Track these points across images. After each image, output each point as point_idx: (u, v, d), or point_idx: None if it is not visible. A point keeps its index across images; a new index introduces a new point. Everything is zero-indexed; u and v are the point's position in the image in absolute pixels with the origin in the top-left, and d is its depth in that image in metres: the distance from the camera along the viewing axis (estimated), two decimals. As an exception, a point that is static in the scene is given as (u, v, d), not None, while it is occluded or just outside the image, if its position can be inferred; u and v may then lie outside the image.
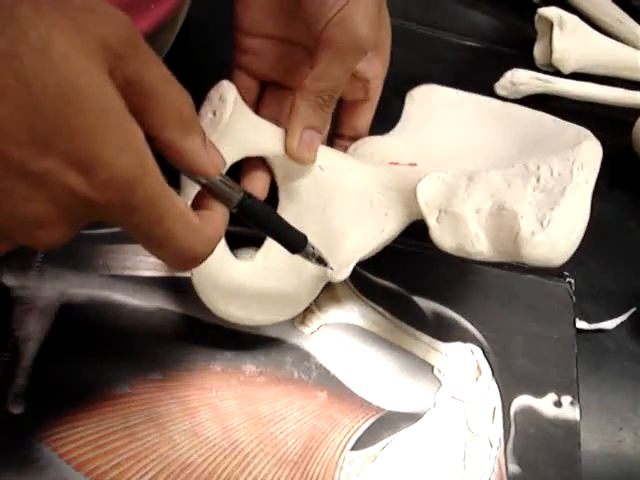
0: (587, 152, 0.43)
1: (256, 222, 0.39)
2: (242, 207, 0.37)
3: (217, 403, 0.48)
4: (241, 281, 0.47)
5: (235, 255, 0.48)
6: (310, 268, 0.46)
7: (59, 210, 0.28)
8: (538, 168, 0.42)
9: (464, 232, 0.42)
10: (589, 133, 0.45)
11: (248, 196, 0.37)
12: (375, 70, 0.51)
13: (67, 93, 0.25)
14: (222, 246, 0.46)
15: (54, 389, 0.46)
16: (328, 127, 0.50)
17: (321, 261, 0.43)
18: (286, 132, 0.45)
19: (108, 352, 0.48)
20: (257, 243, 0.49)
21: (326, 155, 0.48)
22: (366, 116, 0.53)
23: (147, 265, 0.51)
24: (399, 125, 0.53)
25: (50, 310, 0.48)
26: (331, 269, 0.44)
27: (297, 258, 0.42)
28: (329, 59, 0.43)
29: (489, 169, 0.44)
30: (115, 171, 0.27)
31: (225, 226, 0.35)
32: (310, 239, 0.42)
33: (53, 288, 0.49)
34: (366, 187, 0.47)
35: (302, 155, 0.45)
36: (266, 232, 0.41)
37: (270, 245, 0.48)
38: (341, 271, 0.45)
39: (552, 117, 0.49)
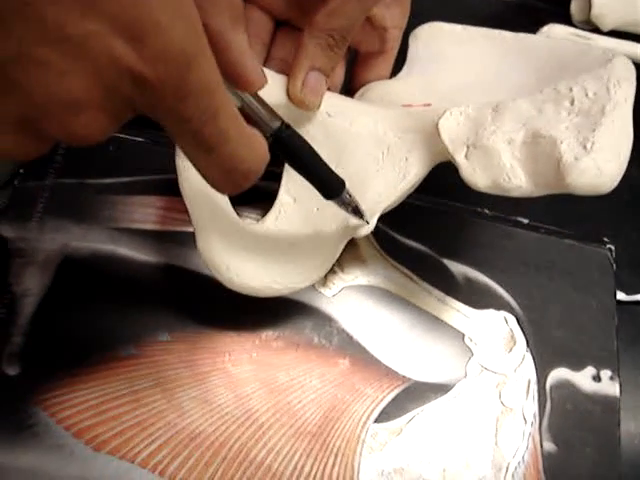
0: (621, 68, 0.39)
1: (291, 156, 0.36)
2: (278, 137, 0.34)
3: (230, 368, 0.45)
4: (253, 247, 0.43)
5: (239, 216, 0.44)
6: (329, 226, 0.42)
7: (101, 89, 0.24)
8: (570, 90, 0.39)
9: (498, 166, 0.38)
10: (616, 52, 0.42)
11: (286, 126, 0.34)
12: (394, 18, 0.47)
13: None
14: (228, 208, 0.43)
15: (53, 349, 0.43)
16: (341, 79, 0.46)
17: (357, 212, 0.39)
18: (289, 74, 0.41)
19: (112, 311, 0.45)
20: (261, 201, 0.46)
21: (333, 101, 0.43)
22: (382, 69, 0.49)
23: (156, 218, 0.48)
24: (405, 68, 0.50)
25: (50, 264, 0.45)
26: (367, 222, 0.41)
27: (313, 216, 0.39)
28: None
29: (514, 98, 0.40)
30: (170, 40, 0.23)
31: (268, 152, 0.31)
32: (317, 209, 0.39)
33: (54, 241, 0.46)
34: (381, 131, 0.43)
35: (307, 99, 0.41)
36: (301, 170, 0.37)
37: (282, 202, 0.44)
38: (364, 225, 0.41)
39: (561, 30, 0.45)
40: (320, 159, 0.37)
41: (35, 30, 0.22)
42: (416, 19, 0.48)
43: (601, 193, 0.37)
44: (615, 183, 0.37)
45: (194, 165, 0.29)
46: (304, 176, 0.38)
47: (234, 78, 0.30)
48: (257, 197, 0.46)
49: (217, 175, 0.29)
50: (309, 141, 0.40)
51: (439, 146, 0.41)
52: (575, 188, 0.37)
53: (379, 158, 0.43)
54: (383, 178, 0.43)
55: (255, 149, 0.29)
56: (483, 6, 0.68)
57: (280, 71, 0.42)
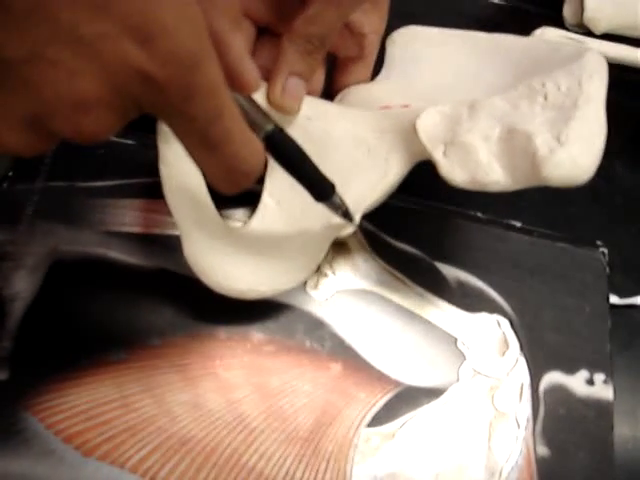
0: (593, 62, 0.40)
1: (284, 159, 0.36)
2: (271, 139, 0.34)
3: (221, 373, 0.44)
4: (238, 249, 0.43)
5: (224, 219, 0.44)
6: (313, 227, 0.43)
7: (110, 88, 0.24)
8: (543, 85, 0.39)
9: (475, 162, 0.39)
10: (588, 47, 0.42)
11: (279, 129, 0.34)
12: (372, 24, 0.47)
13: None
14: (213, 211, 0.43)
15: (42, 354, 0.43)
16: (321, 84, 0.47)
17: (347, 215, 0.40)
18: (269, 80, 0.42)
19: (102, 315, 0.45)
20: (245, 204, 0.46)
21: (312, 104, 0.44)
22: (361, 74, 0.49)
23: (146, 221, 0.47)
24: (383, 71, 0.50)
25: (40, 268, 0.45)
26: (355, 225, 0.41)
27: (297, 217, 0.40)
28: (325, 1, 0.40)
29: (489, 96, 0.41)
30: (178, 42, 0.24)
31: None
32: (301, 211, 0.40)
33: (44, 244, 0.46)
34: (360, 133, 0.44)
35: (286, 104, 0.42)
36: (293, 172, 0.38)
37: (266, 204, 0.45)
38: (348, 225, 0.42)
39: (544, 40, 0.45)
40: (311, 162, 0.37)
41: (49, 31, 0.22)
42: (406, 23, 0.49)
43: (577, 185, 0.37)
44: (590, 174, 0.37)
45: (197, 164, 0.29)
46: (296, 178, 0.38)
47: (231, 80, 0.30)
48: (240, 200, 0.46)
49: (219, 174, 0.30)
50: None
51: (418, 145, 0.41)
52: (551, 180, 0.37)
53: (359, 159, 0.44)
54: (364, 178, 0.43)
55: (257, 149, 0.30)
56: (476, 9, 0.68)
57: (261, 78, 0.42)
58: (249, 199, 0.45)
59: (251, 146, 0.30)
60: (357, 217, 0.42)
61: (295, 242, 0.44)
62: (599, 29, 0.66)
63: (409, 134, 0.42)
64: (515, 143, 0.38)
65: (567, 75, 0.39)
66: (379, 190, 0.43)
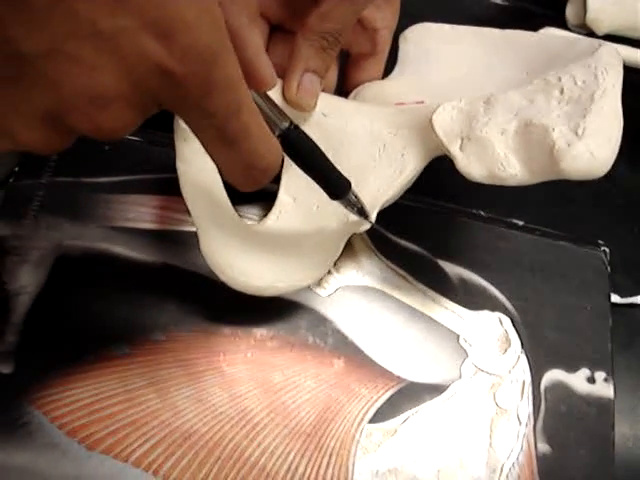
0: (608, 56, 0.40)
1: (299, 157, 0.36)
2: (286, 137, 0.34)
3: (224, 368, 0.44)
4: (256, 247, 0.43)
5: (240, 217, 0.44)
6: (330, 224, 0.42)
7: (129, 84, 0.24)
8: (559, 79, 0.39)
9: (492, 156, 0.39)
10: (602, 41, 0.42)
11: (294, 127, 0.34)
12: (384, 19, 0.47)
13: None
14: (230, 209, 0.43)
15: (47, 348, 0.43)
16: (335, 81, 0.47)
17: (362, 212, 0.40)
18: (284, 77, 0.42)
19: (106, 309, 0.45)
20: (261, 201, 0.46)
21: (328, 101, 0.44)
22: (374, 70, 0.49)
23: (150, 217, 0.48)
24: (397, 68, 0.50)
25: (45, 262, 0.45)
26: (371, 222, 0.41)
27: (313, 214, 0.40)
28: None
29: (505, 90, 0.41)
30: (197, 37, 0.24)
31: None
32: (316, 207, 0.40)
33: (48, 239, 0.46)
34: (376, 129, 0.44)
35: (302, 100, 0.42)
36: (308, 170, 0.38)
37: (282, 202, 0.44)
38: (365, 221, 0.42)
39: (557, 33, 0.45)
40: (327, 160, 0.37)
41: (67, 26, 0.22)
42: (411, 23, 0.49)
43: (595, 177, 0.37)
44: (608, 167, 0.37)
45: (215, 161, 0.29)
46: (311, 176, 0.38)
47: (248, 76, 0.30)
48: (257, 197, 0.46)
49: (237, 171, 0.30)
50: None
51: (434, 141, 0.41)
52: (569, 173, 0.37)
53: (376, 155, 0.43)
54: (381, 174, 0.43)
55: (274, 145, 0.30)
56: (479, 10, 0.68)
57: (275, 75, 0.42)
58: (265, 196, 0.45)
59: (269, 142, 0.30)
60: (374, 213, 0.42)
61: (311, 239, 0.44)
62: (601, 30, 0.66)
63: (425, 130, 0.42)
64: (532, 137, 0.38)
65: (583, 69, 0.39)
66: (396, 186, 0.43)
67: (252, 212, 0.48)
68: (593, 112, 0.37)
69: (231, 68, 0.26)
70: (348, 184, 0.39)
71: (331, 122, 0.44)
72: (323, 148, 0.39)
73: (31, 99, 0.24)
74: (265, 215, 0.45)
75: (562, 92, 0.39)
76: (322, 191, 0.38)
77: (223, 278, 0.42)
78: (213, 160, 0.29)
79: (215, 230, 0.41)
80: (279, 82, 0.42)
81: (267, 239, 0.44)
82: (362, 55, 0.48)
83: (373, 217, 0.42)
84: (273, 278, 0.43)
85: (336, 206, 0.40)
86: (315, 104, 0.43)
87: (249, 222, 0.44)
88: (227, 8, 0.27)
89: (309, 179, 0.38)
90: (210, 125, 0.27)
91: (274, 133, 0.33)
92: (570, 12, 0.68)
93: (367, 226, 0.42)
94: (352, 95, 0.49)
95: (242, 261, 0.42)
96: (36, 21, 0.22)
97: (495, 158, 0.39)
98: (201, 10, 0.24)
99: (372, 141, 0.44)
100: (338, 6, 0.40)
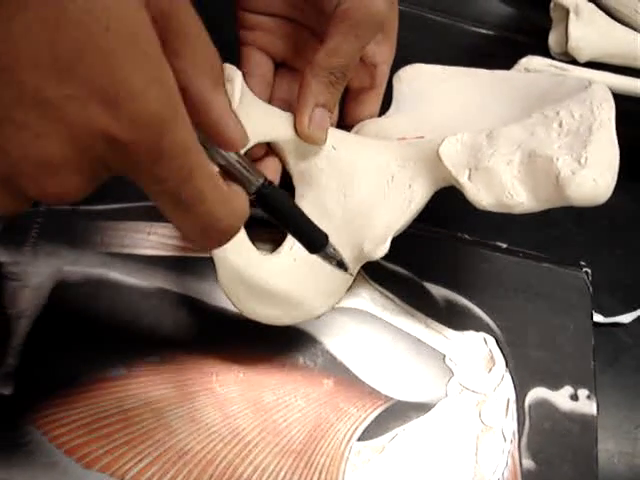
0: (600, 92, 0.42)
1: (274, 212, 0.36)
2: (261, 194, 0.34)
3: (217, 388, 0.46)
4: (271, 277, 0.44)
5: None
6: (343, 252, 0.42)
7: (76, 151, 0.24)
8: (557, 113, 0.41)
9: (500, 185, 0.40)
10: (590, 80, 0.44)
11: (268, 183, 0.34)
12: (383, 54, 0.48)
13: (96, 10, 0.22)
14: (245, 239, 0.44)
15: (46, 370, 0.44)
16: (336, 116, 0.49)
17: (341, 265, 0.40)
18: (295, 112, 0.43)
19: (103, 333, 0.46)
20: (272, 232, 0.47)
21: (335, 135, 0.46)
22: (373, 104, 0.51)
23: (146, 243, 0.49)
24: (392, 107, 0.52)
25: (44, 288, 0.46)
26: (351, 275, 0.43)
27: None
28: (344, 34, 0.41)
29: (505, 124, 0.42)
30: (143, 104, 0.24)
31: (248, 209, 0.31)
32: (331, 236, 0.39)
33: (48, 265, 0.47)
34: (384, 162, 0.45)
35: (314, 134, 0.43)
36: (284, 225, 0.38)
37: None
38: (379, 247, 0.43)
39: (545, 74, 0.47)
40: (302, 214, 0.38)
41: (14, 94, 0.22)
42: (399, 52, 0.50)
43: (598, 203, 0.39)
44: (610, 193, 0.39)
45: (173, 223, 0.29)
46: (288, 231, 0.39)
47: (217, 138, 0.30)
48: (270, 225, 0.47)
49: (194, 233, 0.30)
50: (318, 173, 0.41)
51: (440, 172, 0.43)
52: (575, 200, 0.38)
53: (384, 187, 0.45)
54: (390, 206, 0.44)
55: (233, 207, 0.30)
56: (463, 38, 0.70)
57: (283, 109, 0.44)
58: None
59: (227, 204, 0.29)
60: (388, 240, 0.43)
61: (326, 267, 0.43)
62: (583, 57, 0.68)
63: (431, 161, 0.43)
64: (537, 166, 0.40)
65: (578, 103, 0.41)
66: (406, 215, 0.44)
67: (264, 243, 0.48)
68: (593, 142, 0.39)
69: (182, 135, 0.26)
70: (325, 237, 0.39)
71: (341, 155, 0.45)
72: (334, 180, 0.40)
73: None
74: (276, 245, 0.46)
75: (561, 125, 0.41)
76: (335, 218, 0.39)
77: (240, 308, 0.43)
78: (171, 222, 0.29)
79: (231, 261, 0.42)
80: (289, 116, 0.43)
81: (282, 268, 0.45)
82: (361, 89, 0.50)
83: (387, 245, 0.43)
84: (290, 307, 0.44)
85: (351, 233, 0.41)
86: (326, 138, 0.44)
87: (264, 252, 0.45)
88: (189, 72, 0.27)
89: (321, 208, 0.39)
90: (163, 191, 0.27)
91: (248, 190, 0.33)
92: (552, 40, 0.70)
93: (382, 253, 0.43)
94: (353, 132, 0.50)
95: (258, 291, 0.43)
96: None
97: (503, 187, 0.40)
98: (150, 78, 0.24)
99: (380, 173, 0.45)
100: (344, 42, 0.41)
